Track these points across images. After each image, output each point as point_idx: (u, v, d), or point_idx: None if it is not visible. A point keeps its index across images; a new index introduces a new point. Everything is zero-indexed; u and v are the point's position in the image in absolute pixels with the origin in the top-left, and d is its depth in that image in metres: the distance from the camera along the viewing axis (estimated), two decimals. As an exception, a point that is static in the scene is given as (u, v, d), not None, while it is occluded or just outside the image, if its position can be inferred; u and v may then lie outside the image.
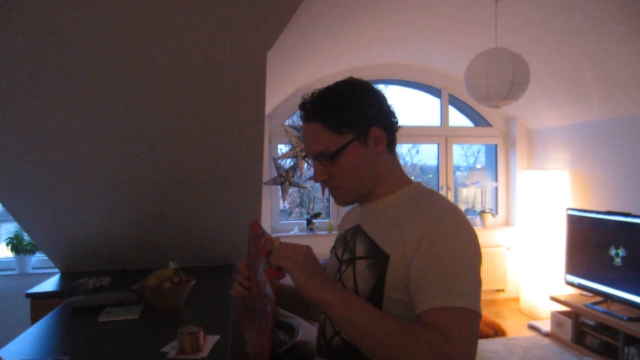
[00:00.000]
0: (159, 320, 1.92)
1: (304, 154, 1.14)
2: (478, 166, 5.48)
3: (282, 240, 0.99)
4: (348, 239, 1.12)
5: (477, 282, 0.91)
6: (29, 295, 2.43)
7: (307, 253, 0.96)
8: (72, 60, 1.77)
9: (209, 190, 2.37)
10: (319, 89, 1.06)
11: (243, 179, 2.26)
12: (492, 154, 5.05)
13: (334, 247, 1.19)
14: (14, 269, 3.74)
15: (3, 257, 3.87)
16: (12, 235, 3.67)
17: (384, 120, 1.05)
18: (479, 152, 6.41)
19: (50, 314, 2.05)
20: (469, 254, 0.92)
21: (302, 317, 1.53)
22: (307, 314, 1.32)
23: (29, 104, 1.90)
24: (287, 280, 1.02)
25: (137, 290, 2.04)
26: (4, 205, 2.40)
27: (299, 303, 1.24)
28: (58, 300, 2.32)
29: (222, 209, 2.48)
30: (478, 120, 4.93)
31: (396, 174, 1.10)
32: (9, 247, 3.65)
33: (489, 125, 4.90)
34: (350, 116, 1.01)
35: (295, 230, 4.44)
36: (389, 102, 1.09)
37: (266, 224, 4.30)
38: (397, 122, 1.09)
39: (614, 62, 3.22)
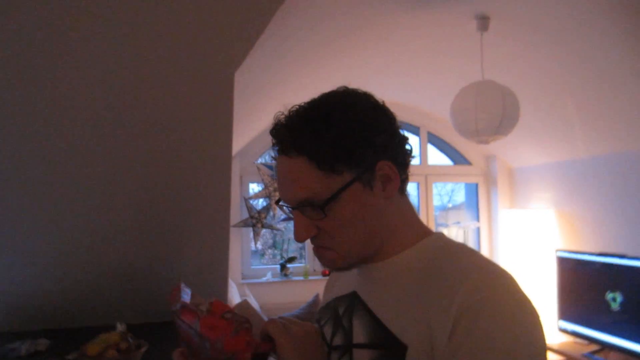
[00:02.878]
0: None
1: (278, 198, 0.78)
2: (449, 205, 5.30)
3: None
4: (340, 313, 0.79)
5: None
6: (-55, 365, 2.01)
7: (311, 331, 0.69)
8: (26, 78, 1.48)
9: (168, 232, 2.05)
10: (300, 105, 0.74)
11: (208, 219, 1.96)
12: (472, 193, 4.88)
13: (317, 321, 0.85)
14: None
15: None
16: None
17: (395, 149, 0.74)
18: (452, 191, 6.26)
19: (-36, 392, 1.67)
20: (535, 347, 0.61)
21: None
22: None
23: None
24: None
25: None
26: None
27: None
28: (-18, 369, 1.94)
29: (183, 255, 2.16)
30: (457, 158, 4.78)
31: (411, 224, 0.78)
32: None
33: (469, 163, 4.75)
34: (350, 147, 0.69)
35: (268, 276, 4.09)
36: (398, 122, 0.77)
37: (236, 269, 3.95)
38: (411, 151, 0.78)
39: (599, 98, 3.12)
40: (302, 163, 0.70)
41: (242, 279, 4.02)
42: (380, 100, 0.76)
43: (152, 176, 1.82)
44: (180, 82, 1.47)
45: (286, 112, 0.74)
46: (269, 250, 5.49)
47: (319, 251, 0.76)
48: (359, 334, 0.72)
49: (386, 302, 0.73)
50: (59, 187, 1.84)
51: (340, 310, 0.80)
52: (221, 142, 1.65)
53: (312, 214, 0.72)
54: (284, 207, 0.76)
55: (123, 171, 1.77)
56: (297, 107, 0.74)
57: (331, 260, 0.75)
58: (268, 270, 4.15)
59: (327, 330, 0.80)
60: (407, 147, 0.77)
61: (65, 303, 2.31)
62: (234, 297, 3.15)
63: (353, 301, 0.78)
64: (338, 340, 0.76)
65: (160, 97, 1.52)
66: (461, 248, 0.75)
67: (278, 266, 4.19)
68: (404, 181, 0.77)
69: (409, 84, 3.89)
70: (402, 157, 0.75)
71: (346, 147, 0.69)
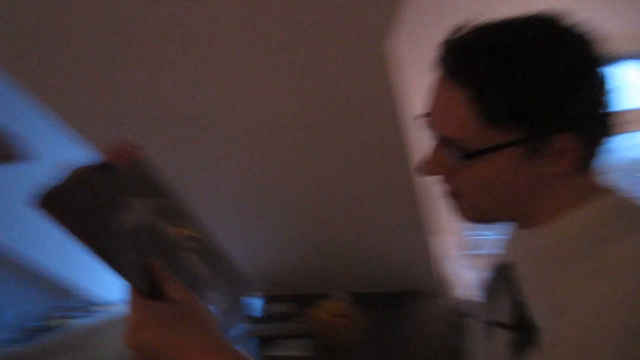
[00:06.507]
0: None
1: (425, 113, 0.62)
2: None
3: None
4: (496, 286, 0.71)
5: None
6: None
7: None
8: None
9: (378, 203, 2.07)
10: (492, 23, 0.56)
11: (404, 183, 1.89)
12: None
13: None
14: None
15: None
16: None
17: (592, 122, 0.55)
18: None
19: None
20: None
21: None
22: None
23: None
24: None
25: (308, 323, 1.86)
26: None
27: None
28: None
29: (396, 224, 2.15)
30: None
31: (575, 187, 0.60)
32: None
33: None
34: (535, 104, 0.52)
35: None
36: (612, 83, 0.55)
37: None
38: (609, 127, 0.57)
39: None
40: (465, 99, 0.55)
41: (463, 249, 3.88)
42: (603, 51, 0.55)
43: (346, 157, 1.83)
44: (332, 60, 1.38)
45: (470, 26, 0.57)
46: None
47: (449, 198, 0.66)
48: (502, 312, 0.63)
49: (536, 277, 0.59)
50: (296, 169, 2.00)
51: (496, 282, 0.70)
52: (386, 122, 1.55)
53: (449, 154, 0.59)
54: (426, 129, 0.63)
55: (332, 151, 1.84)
56: (486, 24, 0.56)
57: (460, 208, 0.65)
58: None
59: (484, 305, 0.72)
60: (607, 121, 0.57)
61: (289, 272, 2.55)
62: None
63: (506, 272, 0.66)
64: (491, 315, 0.67)
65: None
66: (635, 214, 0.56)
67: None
68: (588, 158, 0.57)
69: None
70: (599, 133, 0.57)
71: (530, 103, 0.52)
